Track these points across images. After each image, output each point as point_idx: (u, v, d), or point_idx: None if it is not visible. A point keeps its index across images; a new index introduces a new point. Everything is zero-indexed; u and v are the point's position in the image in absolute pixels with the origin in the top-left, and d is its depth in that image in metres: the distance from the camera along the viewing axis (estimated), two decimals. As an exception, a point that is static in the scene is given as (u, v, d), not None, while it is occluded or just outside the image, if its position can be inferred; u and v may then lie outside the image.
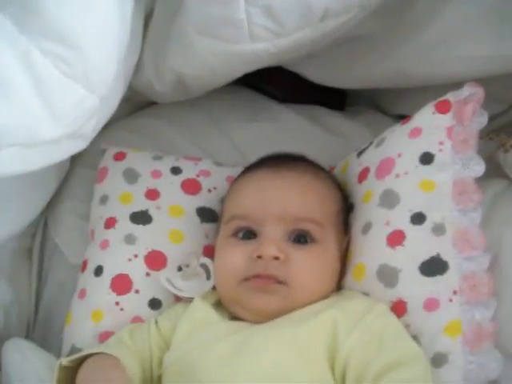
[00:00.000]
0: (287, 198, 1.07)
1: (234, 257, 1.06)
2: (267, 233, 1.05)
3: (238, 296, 1.04)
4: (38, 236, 1.38)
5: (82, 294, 1.17)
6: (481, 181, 1.08)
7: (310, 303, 1.02)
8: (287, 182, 1.09)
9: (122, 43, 0.99)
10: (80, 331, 1.14)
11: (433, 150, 1.07)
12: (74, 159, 1.41)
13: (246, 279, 1.03)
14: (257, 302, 1.02)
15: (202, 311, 1.07)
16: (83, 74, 0.93)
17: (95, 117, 1.04)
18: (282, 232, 1.05)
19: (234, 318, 1.06)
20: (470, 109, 1.07)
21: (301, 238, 1.06)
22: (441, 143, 1.08)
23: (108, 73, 0.98)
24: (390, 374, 0.89)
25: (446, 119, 1.09)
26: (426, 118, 1.11)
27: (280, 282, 1.02)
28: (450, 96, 1.11)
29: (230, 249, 1.08)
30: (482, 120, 1.09)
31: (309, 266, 1.03)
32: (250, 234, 1.07)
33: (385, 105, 1.55)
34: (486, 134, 1.29)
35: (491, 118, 1.19)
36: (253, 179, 1.13)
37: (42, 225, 1.39)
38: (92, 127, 1.05)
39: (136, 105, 1.54)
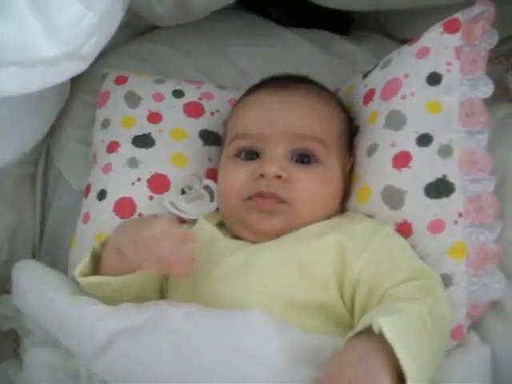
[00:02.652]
0: (290, 116, 1.05)
1: (237, 176, 1.05)
2: (270, 152, 1.04)
3: (240, 216, 1.04)
4: (41, 163, 1.37)
5: (86, 217, 1.17)
6: (488, 105, 1.06)
7: (312, 222, 1.02)
8: (290, 101, 1.07)
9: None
10: (85, 254, 1.12)
11: (440, 71, 1.05)
12: (75, 85, 1.39)
13: (249, 198, 1.03)
14: (259, 222, 1.02)
15: (206, 230, 1.07)
16: (80, -10, 0.90)
17: (94, 36, 1.00)
18: (285, 151, 1.04)
19: (237, 238, 1.06)
20: (480, 27, 1.05)
21: (304, 157, 1.04)
22: (449, 64, 1.05)
23: (105, -11, 0.95)
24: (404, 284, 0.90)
25: (454, 39, 1.06)
26: (434, 37, 1.09)
27: (282, 202, 1.01)
28: (460, 15, 1.08)
29: (232, 168, 1.07)
30: (492, 40, 1.07)
31: (311, 186, 1.03)
32: (252, 154, 1.06)
33: (392, 29, 1.52)
34: (495, 58, 1.27)
35: (501, 41, 1.16)
36: (255, 99, 1.11)
37: (44, 152, 1.38)
38: (91, 47, 1.02)
39: (136, 30, 1.51)
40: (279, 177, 1.01)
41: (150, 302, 0.95)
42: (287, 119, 1.05)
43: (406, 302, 0.86)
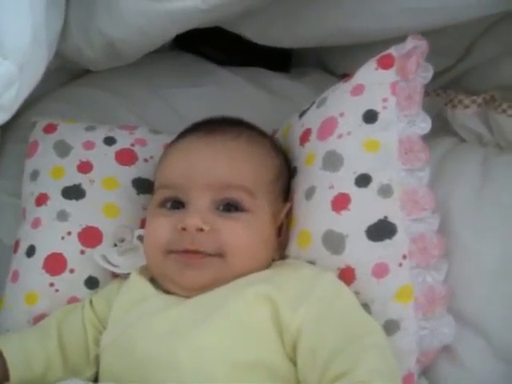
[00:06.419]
0: (215, 165, 1.01)
1: (159, 228, 1.00)
2: (193, 203, 1.00)
3: (165, 269, 0.99)
4: (-31, 217, 1.31)
5: (15, 276, 1.12)
6: (429, 139, 1.04)
7: (246, 272, 0.98)
8: (216, 148, 1.03)
9: (37, 6, 0.91)
10: (14, 316, 1.09)
11: (376, 108, 1.03)
12: (6, 134, 1.35)
13: (172, 251, 0.98)
14: (186, 277, 0.97)
15: (138, 286, 1.02)
16: (-9, 40, 0.86)
17: (14, 86, 0.96)
18: (210, 201, 1.00)
19: (169, 292, 1.01)
20: (414, 62, 1.02)
21: (230, 207, 1.00)
22: (384, 100, 1.03)
23: (22, 38, 0.91)
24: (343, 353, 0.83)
25: (389, 75, 1.04)
26: (369, 74, 1.06)
27: (211, 255, 0.97)
28: (393, 50, 1.05)
29: (156, 219, 1.02)
30: (427, 74, 1.05)
31: (238, 234, 0.98)
32: (178, 204, 1.02)
33: (331, 64, 1.50)
34: (433, 91, 1.26)
35: (438, 74, 1.15)
36: (181, 145, 1.07)
37: (-28, 206, 1.32)
38: (11, 97, 0.97)
39: (70, 74, 1.47)
40: (201, 230, 0.97)
41: None
42: (211, 168, 1.01)
43: None
